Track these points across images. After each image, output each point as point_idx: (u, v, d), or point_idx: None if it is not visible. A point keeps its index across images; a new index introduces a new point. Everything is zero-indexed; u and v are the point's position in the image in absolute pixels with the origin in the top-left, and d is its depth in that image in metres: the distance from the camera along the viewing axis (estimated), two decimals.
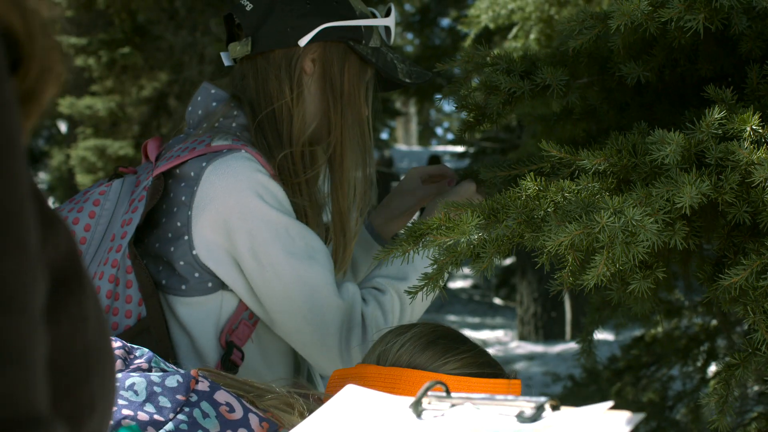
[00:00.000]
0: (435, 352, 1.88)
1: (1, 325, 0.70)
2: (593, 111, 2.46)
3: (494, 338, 14.21)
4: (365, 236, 2.85)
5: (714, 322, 4.17)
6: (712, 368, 4.32)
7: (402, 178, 2.92)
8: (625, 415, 1.14)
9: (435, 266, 1.93)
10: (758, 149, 1.78)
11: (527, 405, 1.23)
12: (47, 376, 0.76)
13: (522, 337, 13.86)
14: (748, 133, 1.84)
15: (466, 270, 18.82)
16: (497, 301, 17.58)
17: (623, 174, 1.90)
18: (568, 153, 1.95)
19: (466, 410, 1.31)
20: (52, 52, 0.78)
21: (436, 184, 2.83)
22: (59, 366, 0.79)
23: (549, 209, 1.80)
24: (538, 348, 13.12)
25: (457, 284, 18.44)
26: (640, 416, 1.13)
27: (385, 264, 2.58)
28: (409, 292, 2.09)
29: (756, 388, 4.22)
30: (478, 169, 2.53)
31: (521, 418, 1.22)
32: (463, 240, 1.80)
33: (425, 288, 1.98)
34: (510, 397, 1.28)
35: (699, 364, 4.37)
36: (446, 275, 2.00)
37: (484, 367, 1.90)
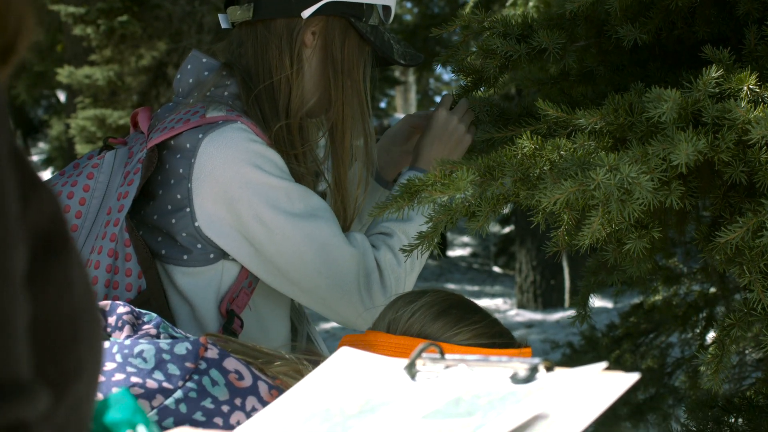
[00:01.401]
0: (446, 321, 1.88)
1: None
2: (590, 74, 2.46)
3: (493, 306, 14.23)
4: (370, 182, 2.85)
5: (713, 289, 4.17)
6: (711, 335, 4.32)
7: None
8: (619, 375, 1.14)
9: (430, 224, 1.92)
10: (755, 108, 1.78)
11: (521, 366, 1.23)
12: (31, 341, 0.75)
13: (521, 305, 13.87)
14: (745, 92, 1.83)
15: (466, 238, 18.86)
16: (496, 269, 17.60)
17: (619, 133, 1.90)
18: (564, 112, 1.95)
19: (460, 372, 1.31)
20: (24, 2, 0.77)
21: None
22: (44, 331, 0.78)
23: (545, 167, 1.80)
24: (536, 316, 13.15)
25: (456, 252, 18.46)
26: (635, 376, 1.13)
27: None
28: (404, 251, 2.09)
29: (754, 354, 4.22)
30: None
31: (515, 379, 1.22)
32: (458, 196, 1.80)
33: (421, 247, 1.98)
34: (504, 358, 1.28)
35: (698, 331, 4.37)
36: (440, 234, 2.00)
37: (496, 337, 1.90)
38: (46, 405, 0.74)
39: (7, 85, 0.78)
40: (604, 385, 1.13)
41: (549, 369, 1.22)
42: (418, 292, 1.97)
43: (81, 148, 11.66)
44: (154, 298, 2.40)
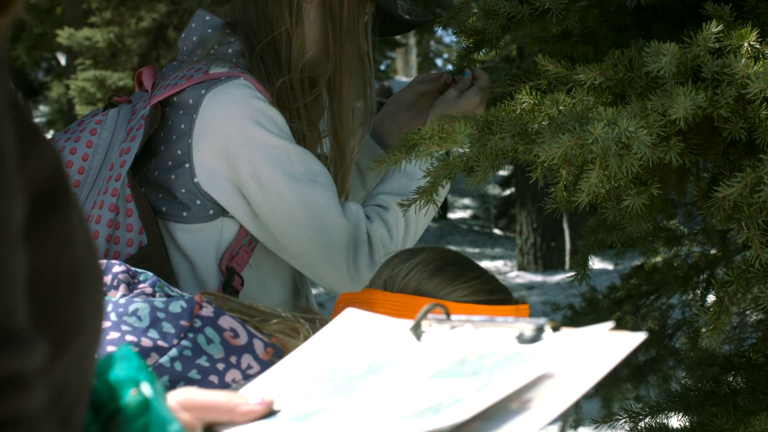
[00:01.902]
0: (443, 279, 1.87)
1: None
2: (592, 34, 2.44)
3: (494, 268, 14.26)
4: (373, 146, 2.84)
5: (713, 250, 4.17)
6: (712, 297, 4.32)
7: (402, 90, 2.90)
8: (625, 335, 1.13)
9: (429, 179, 1.92)
10: (755, 64, 1.77)
11: (527, 327, 1.23)
12: (30, 294, 0.74)
13: (521, 267, 13.90)
14: (745, 48, 1.82)
15: (466, 200, 18.86)
16: (497, 231, 17.62)
17: (619, 88, 1.89)
18: (564, 68, 1.94)
19: (466, 332, 1.31)
20: None
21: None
22: (45, 284, 0.78)
23: (543, 122, 1.79)
24: (537, 278, 13.17)
25: (456, 215, 18.47)
26: (641, 336, 1.12)
27: (386, 181, 2.58)
28: (402, 205, 2.09)
29: (755, 315, 4.23)
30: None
31: (521, 339, 1.22)
32: (455, 150, 1.79)
33: (419, 202, 1.97)
34: (510, 318, 1.27)
35: (698, 292, 4.37)
36: (441, 189, 1.99)
37: (493, 293, 1.90)
38: (44, 358, 0.73)
39: (6, 37, 0.77)
40: (610, 344, 1.13)
41: (555, 329, 1.22)
42: (414, 249, 1.97)
43: (81, 110, 11.66)
44: (155, 254, 2.40)
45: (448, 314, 1.35)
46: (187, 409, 1.11)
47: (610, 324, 1.15)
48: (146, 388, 0.95)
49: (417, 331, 1.35)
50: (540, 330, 1.21)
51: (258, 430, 1.23)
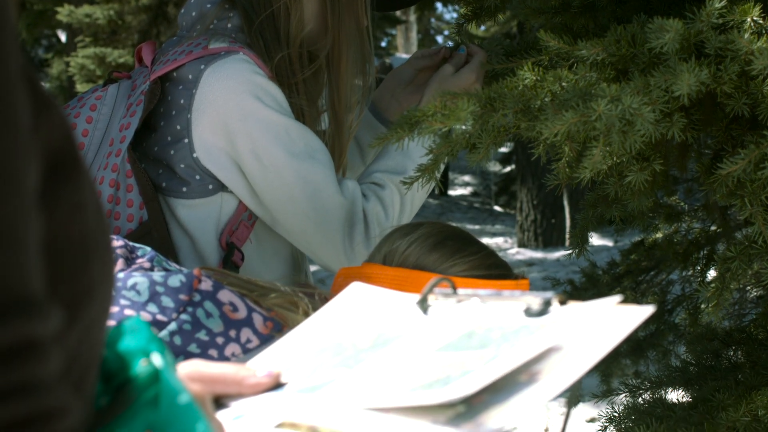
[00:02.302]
0: (442, 253, 1.87)
1: None
2: (592, 6, 2.43)
3: (494, 245, 14.27)
4: (372, 121, 2.84)
5: (714, 227, 4.16)
6: (712, 272, 4.32)
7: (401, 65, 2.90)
8: (633, 308, 1.13)
9: (431, 157, 1.92)
10: (759, 39, 1.76)
11: (534, 300, 1.23)
12: (44, 261, 0.75)
13: (521, 244, 13.90)
14: (748, 24, 1.82)
15: (467, 177, 18.86)
16: (497, 208, 17.62)
17: (621, 64, 1.88)
18: (566, 43, 1.93)
19: (473, 306, 1.31)
20: None
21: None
22: (57, 252, 0.78)
23: (546, 99, 1.79)
24: (537, 254, 13.18)
25: (457, 191, 18.46)
26: (649, 309, 1.12)
27: (383, 158, 2.58)
28: (405, 183, 2.09)
29: (755, 292, 4.23)
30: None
31: (528, 312, 1.22)
32: (458, 127, 1.79)
33: (421, 179, 1.97)
34: (517, 292, 1.27)
35: (698, 268, 4.36)
36: (442, 166, 1.98)
37: (492, 268, 1.89)
38: (59, 325, 0.73)
39: (16, 6, 0.77)
40: (618, 318, 1.13)
41: (562, 302, 1.22)
42: (414, 224, 1.97)
43: (81, 87, 11.65)
44: (155, 229, 2.40)
45: (454, 288, 1.35)
46: (195, 381, 1.11)
47: (618, 297, 1.15)
48: (157, 359, 0.96)
49: (423, 304, 1.35)
50: (547, 303, 1.21)
51: (266, 401, 1.23)
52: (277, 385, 1.27)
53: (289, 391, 1.25)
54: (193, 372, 1.21)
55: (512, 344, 1.14)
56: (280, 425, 1.18)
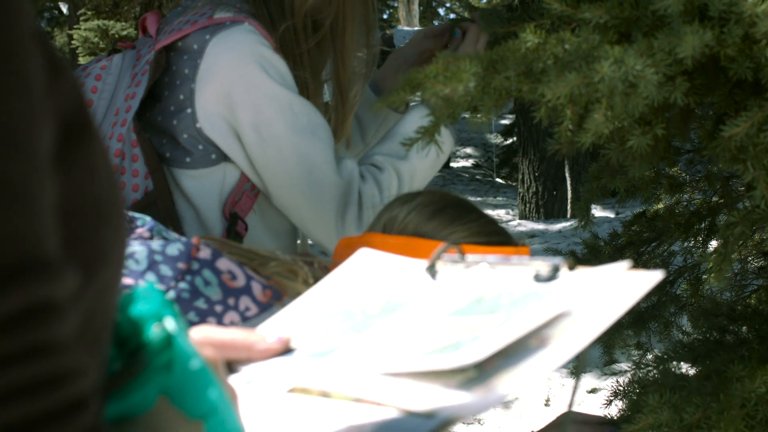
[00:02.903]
0: (442, 221, 1.87)
1: (4, 162, 0.69)
2: None
3: (496, 217, 14.27)
4: (371, 96, 2.84)
5: (715, 198, 4.16)
6: (713, 243, 4.32)
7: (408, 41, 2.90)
8: (643, 273, 1.13)
9: (432, 118, 1.91)
10: (763, 2, 1.75)
11: (543, 266, 1.22)
12: (58, 224, 0.74)
13: (523, 216, 13.91)
14: None
15: (469, 149, 18.86)
16: (499, 180, 17.62)
17: (624, 27, 1.87)
18: (569, 6, 1.92)
19: (481, 272, 1.30)
20: None
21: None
22: (71, 215, 0.77)
23: (548, 61, 1.78)
24: (539, 226, 13.19)
25: (459, 164, 18.47)
26: (659, 275, 1.11)
27: (385, 141, 2.58)
28: (405, 144, 2.08)
29: (756, 262, 4.23)
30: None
31: (537, 278, 1.21)
32: (460, 88, 1.78)
33: (421, 141, 1.96)
34: (525, 258, 1.27)
35: (700, 239, 4.37)
36: (444, 130, 1.97)
37: (492, 235, 1.90)
38: (74, 286, 0.73)
39: None
40: (627, 283, 1.12)
41: (571, 268, 1.21)
42: (414, 193, 1.97)
43: (84, 60, 11.66)
44: (160, 199, 2.41)
45: (462, 254, 1.35)
46: (206, 346, 1.11)
47: (628, 262, 1.15)
48: (170, 324, 0.96)
49: (432, 270, 1.34)
50: (556, 269, 1.21)
51: (276, 367, 1.23)
52: (286, 351, 1.27)
53: (299, 356, 1.25)
54: (203, 337, 1.21)
55: (522, 309, 1.14)
56: (290, 389, 1.18)
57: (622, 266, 1.15)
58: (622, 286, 1.12)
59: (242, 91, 2.37)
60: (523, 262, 1.26)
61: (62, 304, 0.71)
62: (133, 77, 2.49)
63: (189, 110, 2.40)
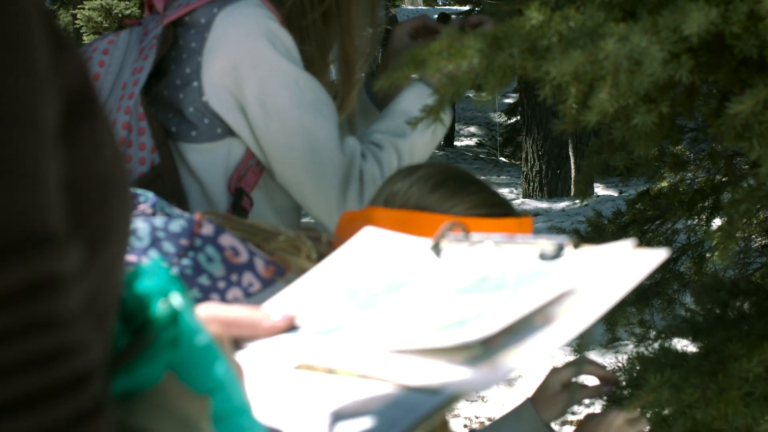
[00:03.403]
0: (443, 193, 1.87)
1: (9, 138, 0.69)
2: None
3: None
4: (364, 99, 2.84)
5: (719, 176, 4.16)
6: (717, 221, 4.32)
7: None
8: (648, 251, 1.12)
9: (436, 96, 1.90)
10: None
11: (548, 244, 1.22)
12: (63, 201, 0.74)
13: (527, 195, 13.90)
14: None
15: (472, 128, 18.84)
16: (502, 159, 17.61)
17: (629, 5, 1.86)
18: None
19: (486, 250, 1.30)
20: None
21: (426, 38, 2.80)
22: (76, 191, 0.78)
23: (553, 39, 1.77)
24: (542, 204, 13.18)
25: (462, 142, 18.45)
26: (664, 253, 1.11)
27: (384, 119, 2.58)
28: (410, 123, 2.08)
29: (759, 240, 4.23)
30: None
31: (542, 256, 1.21)
32: (464, 64, 1.77)
33: (426, 120, 1.96)
34: (530, 237, 1.27)
35: (704, 217, 4.37)
36: (448, 120, 1.97)
37: (494, 207, 1.89)
38: (78, 262, 0.73)
39: None
40: (632, 261, 1.12)
41: (576, 246, 1.21)
42: (415, 166, 1.97)
43: (88, 39, 11.64)
44: (166, 173, 2.41)
45: (466, 232, 1.35)
46: (212, 323, 1.11)
47: (633, 240, 1.15)
48: (176, 299, 0.96)
49: (437, 249, 1.34)
50: (561, 247, 1.21)
51: (281, 344, 1.24)
52: (292, 328, 1.27)
53: (305, 333, 1.25)
54: (209, 315, 1.22)
55: (527, 288, 1.14)
56: (295, 366, 1.18)
57: (627, 244, 1.15)
58: (627, 264, 1.12)
59: (249, 65, 2.38)
60: (528, 241, 1.26)
61: (66, 279, 0.71)
62: (140, 51, 2.49)
63: (195, 83, 2.40)
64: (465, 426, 6.84)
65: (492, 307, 1.11)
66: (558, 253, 1.20)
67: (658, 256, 1.11)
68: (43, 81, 0.72)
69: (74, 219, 0.77)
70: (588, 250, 1.19)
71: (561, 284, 1.11)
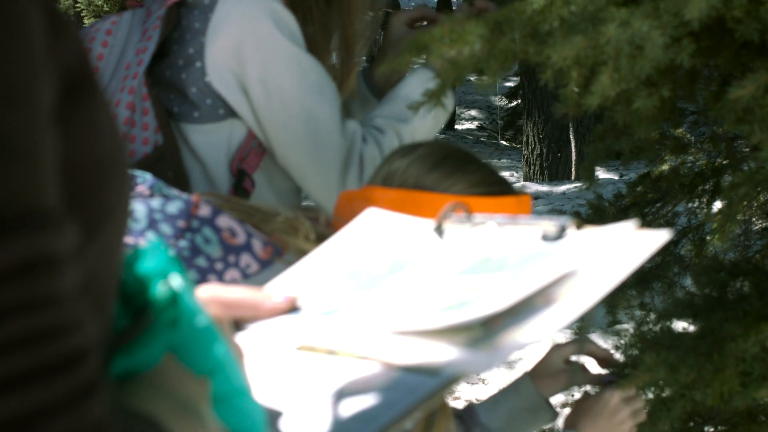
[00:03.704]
0: (442, 172, 1.87)
1: (5, 116, 0.68)
2: None
3: None
4: (363, 91, 2.84)
5: (720, 159, 4.16)
6: (717, 204, 4.32)
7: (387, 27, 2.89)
8: (650, 233, 1.12)
9: (438, 81, 1.90)
10: None
11: (550, 225, 1.22)
12: (61, 181, 0.74)
13: (527, 178, 13.88)
14: None
15: (473, 112, 18.82)
16: (503, 142, 17.59)
17: None
18: None
19: (489, 231, 1.30)
20: None
21: (424, 26, 2.79)
22: (74, 172, 0.77)
23: (554, 23, 1.77)
24: (543, 188, 13.16)
25: (463, 126, 18.42)
26: (666, 234, 1.11)
27: (386, 104, 2.57)
28: (412, 108, 2.08)
29: (760, 223, 4.24)
30: None
31: (545, 237, 1.21)
32: (466, 50, 1.77)
33: (428, 104, 1.96)
34: (532, 218, 1.27)
35: (704, 200, 4.36)
36: (451, 104, 1.97)
37: (493, 185, 1.89)
38: (75, 241, 0.73)
39: None
40: (633, 243, 1.12)
41: (578, 227, 1.21)
42: (413, 144, 1.96)
43: (89, 23, 11.59)
44: (169, 154, 2.41)
45: (469, 213, 1.35)
46: (212, 305, 1.11)
47: (635, 221, 1.15)
48: (175, 281, 0.95)
49: (439, 230, 1.34)
50: (563, 228, 1.21)
51: (282, 325, 1.24)
52: (293, 310, 1.27)
53: (306, 315, 1.25)
54: (210, 296, 1.21)
55: (529, 269, 1.14)
56: (296, 348, 1.18)
57: (629, 225, 1.15)
58: (629, 245, 1.12)
59: (252, 46, 2.37)
60: (531, 222, 1.26)
61: (62, 258, 0.70)
62: (143, 32, 2.49)
63: (198, 64, 2.40)
64: None
65: (493, 289, 1.12)
66: (560, 234, 1.20)
67: (660, 237, 1.11)
68: (39, 60, 0.72)
69: (72, 199, 0.76)
70: (590, 231, 1.19)
71: (563, 265, 1.11)
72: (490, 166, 1.94)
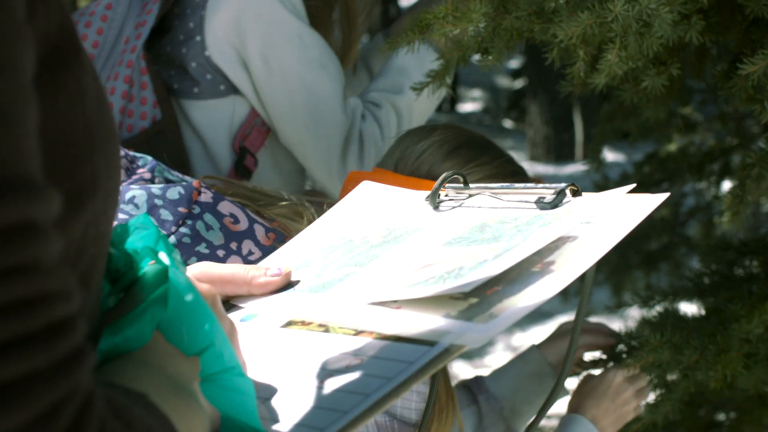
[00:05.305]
0: (456, 162, 1.84)
1: None
2: None
3: None
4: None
5: (728, 139, 4.14)
6: (725, 184, 4.31)
7: None
8: (646, 196, 1.13)
9: (441, 61, 1.88)
10: None
11: (547, 191, 1.22)
12: (46, 150, 0.73)
13: (532, 159, 13.87)
14: None
15: (477, 92, 18.81)
16: (507, 123, 17.58)
17: None
18: None
19: (485, 199, 1.30)
20: None
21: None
22: (58, 140, 0.76)
23: (560, 0, 1.74)
24: (548, 169, 13.15)
25: (467, 107, 18.42)
26: (662, 196, 1.12)
27: (380, 77, 2.56)
28: (415, 89, 2.05)
29: None
30: None
31: (541, 204, 1.21)
32: (470, 29, 1.75)
33: (431, 85, 1.93)
34: (529, 184, 1.27)
35: (712, 180, 4.35)
36: (452, 72, 1.94)
37: (510, 176, 1.86)
38: (59, 209, 0.71)
39: None
40: (631, 206, 1.13)
41: (575, 193, 1.21)
42: (428, 128, 1.93)
43: (84, 2, 11.59)
44: (168, 129, 2.39)
45: (466, 182, 1.35)
46: (204, 282, 1.10)
47: (631, 186, 1.15)
48: (164, 258, 0.94)
49: (434, 200, 1.34)
50: (561, 194, 1.21)
51: (277, 301, 1.23)
52: (287, 284, 1.26)
53: (300, 289, 1.24)
54: (201, 273, 1.21)
55: (525, 236, 1.14)
56: (290, 323, 1.18)
57: (625, 189, 1.16)
58: (626, 208, 1.12)
59: (252, 18, 2.36)
60: (528, 189, 1.26)
61: (45, 226, 0.69)
62: (143, 6, 2.48)
63: (198, 38, 2.39)
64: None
65: (489, 256, 1.11)
66: (557, 200, 1.20)
67: (656, 199, 1.13)
68: (19, 26, 0.70)
69: (58, 169, 0.75)
70: (587, 196, 1.20)
71: (559, 230, 1.12)
72: (507, 154, 1.91)
